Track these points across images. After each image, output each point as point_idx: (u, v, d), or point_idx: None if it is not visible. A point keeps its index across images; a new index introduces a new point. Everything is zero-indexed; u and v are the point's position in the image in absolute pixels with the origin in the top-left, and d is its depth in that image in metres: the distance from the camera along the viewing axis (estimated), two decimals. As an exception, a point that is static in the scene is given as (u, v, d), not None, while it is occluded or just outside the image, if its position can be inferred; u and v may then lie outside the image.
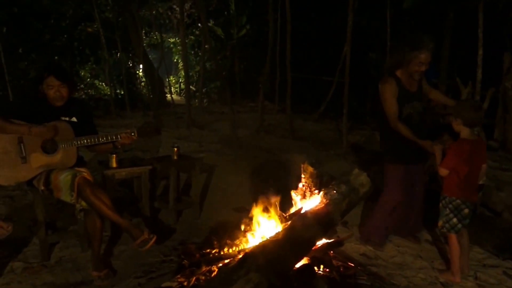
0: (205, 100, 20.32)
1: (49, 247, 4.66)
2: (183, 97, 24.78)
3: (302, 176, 3.85)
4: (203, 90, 19.81)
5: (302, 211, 3.52)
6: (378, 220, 4.99)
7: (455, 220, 4.21)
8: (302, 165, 3.86)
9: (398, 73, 4.73)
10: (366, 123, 14.64)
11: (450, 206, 4.23)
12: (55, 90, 4.12)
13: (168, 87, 25.01)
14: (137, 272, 3.90)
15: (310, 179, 3.76)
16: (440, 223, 4.33)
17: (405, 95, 4.71)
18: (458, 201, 4.19)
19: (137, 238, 3.91)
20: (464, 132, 4.18)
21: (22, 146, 4.02)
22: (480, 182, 5.50)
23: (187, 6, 18.91)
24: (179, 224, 5.73)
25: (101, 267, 4.18)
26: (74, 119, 4.33)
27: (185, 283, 3.27)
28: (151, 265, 4.13)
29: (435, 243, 5.17)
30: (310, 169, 3.76)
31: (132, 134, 4.29)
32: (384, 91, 4.68)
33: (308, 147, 10.77)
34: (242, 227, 3.93)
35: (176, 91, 26.57)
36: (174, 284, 3.29)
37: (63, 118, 4.24)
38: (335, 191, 3.54)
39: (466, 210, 4.20)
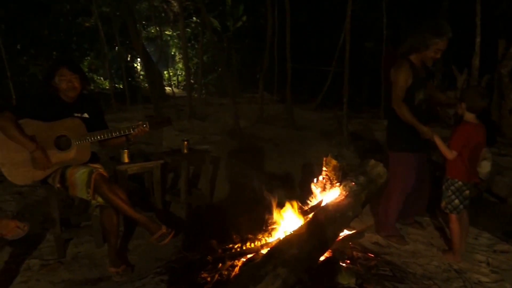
0: (203, 92, 20.27)
1: (64, 244, 4.65)
2: (181, 90, 24.76)
3: (324, 169, 3.87)
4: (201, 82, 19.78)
5: (323, 204, 3.54)
6: (395, 211, 4.99)
7: (457, 201, 4.35)
8: (324, 158, 3.88)
9: (412, 58, 4.71)
10: (363, 112, 14.68)
11: (452, 188, 4.37)
12: (67, 81, 4.11)
13: (167, 80, 24.97)
14: (157, 268, 3.89)
15: (332, 172, 3.78)
16: (443, 204, 4.48)
17: (419, 80, 4.70)
18: (460, 182, 4.34)
19: (155, 233, 3.92)
20: (468, 116, 4.31)
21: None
22: (484, 171, 5.62)
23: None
24: (191, 216, 5.75)
25: (118, 262, 4.18)
26: (86, 115, 4.32)
27: (209, 279, 3.28)
28: (170, 260, 4.12)
29: (445, 230, 5.22)
30: (334, 162, 3.78)
31: (144, 126, 4.28)
32: (399, 74, 4.63)
33: (310, 137, 10.79)
34: (264, 221, 3.95)
35: (174, 83, 26.49)
36: (198, 280, 3.30)
37: (75, 114, 4.23)
38: (354, 183, 3.57)
39: (467, 192, 4.35)
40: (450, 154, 4.30)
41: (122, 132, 4.26)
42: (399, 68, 4.66)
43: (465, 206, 4.41)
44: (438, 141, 4.37)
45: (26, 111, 4.05)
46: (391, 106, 4.75)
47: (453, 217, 4.41)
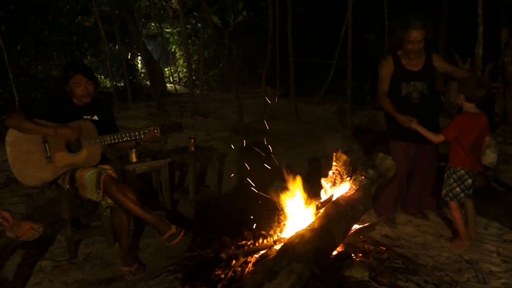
0: (205, 88, 20.29)
1: (75, 244, 4.66)
2: (182, 86, 24.76)
3: (334, 164, 3.88)
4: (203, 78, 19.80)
5: (334, 198, 3.56)
6: (386, 195, 5.03)
7: (458, 189, 4.45)
8: (334, 153, 3.89)
9: (399, 52, 4.93)
10: (367, 104, 14.68)
11: (454, 176, 4.47)
12: (83, 87, 4.13)
13: (169, 77, 24.97)
14: (170, 266, 3.90)
15: (343, 167, 3.79)
16: (444, 191, 4.58)
17: (403, 73, 4.89)
18: (462, 171, 4.43)
19: (165, 233, 3.92)
20: (467, 106, 4.41)
21: (47, 146, 4.03)
22: (489, 160, 5.67)
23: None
24: (200, 214, 5.76)
25: (130, 262, 4.22)
26: (95, 117, 4.34)
27: (223, 276, 3.29)
28: (183, 258, 4.13)
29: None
30: (344, 157, 3.79)
31: (155, 131, 4.31)
32: (380, 68, 4.98)
33: (315, 131, 10.79)
34: (275, 217, 3.96)
35: (175, 80, 26.51)
36: (212, 277, 3.31)
37: (85, 117, 4.25)
38: (363, 177, 3.59)
39: (470, 181, 4.44)
40: (435, 138, 4.45)
41: (132, 136, 4.28)
42: (381, 62, 5.01)
43: (469, 195, 4.50)
44: (419, 127, 4.49)
45: (36, 112, 4.06)
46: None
47: (454, 204, 4.51)
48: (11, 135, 4.01)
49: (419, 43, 4.66)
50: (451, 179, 4.48)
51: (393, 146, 5.04)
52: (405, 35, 4.64)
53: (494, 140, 5.77)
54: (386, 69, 4.90)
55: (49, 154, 4.05)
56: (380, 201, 5.07)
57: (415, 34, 4.61)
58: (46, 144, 4.03)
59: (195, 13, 21.75)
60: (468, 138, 4.35)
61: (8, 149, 4.01)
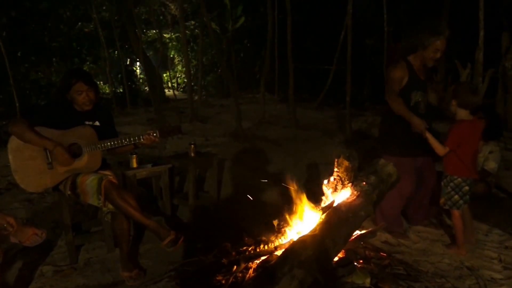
0: (203, 93, 20.31)
1: (76, 249, 4.65)
2: (180, 92, 24.79)
3: (336, 169, 3.88)
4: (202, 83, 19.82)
5: (335, 204, 3.56)
6: (392, 214, 5.03)
7: (456, 197, 4.45)
8: (336, 159, 3.89)
9: (411, 58, 4.76)
10: (366, 109, 14.69)
11: (452, 184, 4.46)
12: (84, 95, 4.14)
13: (168, 83, 25.03)
14: (171, 271, 3.91)
15: (344, 173, 3.79)
16: (442, 200, 4.58)
17: (416, 81, 4.74)
18: (459, 179, 4.43)
19: (165, 239, 3.92)
20: (460, 113, 4.38)
21: (48, 152, 4.03)
22: (491, 166, 5.65)
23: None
24: (200, 220, 5.76)
25: (130, 267, 4.20)
26: (97, 123, 4.35)
27: (224, 282, 3.29)
28: (184, 263, 4.13)
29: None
30: (346, 163, 3.79)
31: (154, 135, 4.30)
32: (393, 72, 4.72)
33: (313, 136, 10.80)
34: (276, 223, 3.96)
35: (173, 86, 26.56)
36: (213, 282, 3.31)
37: (87, 123, 4.26)
38: (365, 183, 3.59)
39: (466, 188, 4.43)
40: (442, 150, 4.40)
41: (132, 140, 4.28)
42: (395, 65, 4.75)
43: (466, 201, 4.50)
44: (429, 136, 4.45)
45: (39, 119, 4.07)
46: (389, 110, 4.84)
47: (456, 212, 4.49)
48: (14, 142, 4.02)
49: (442, 52, 4.58)
50: (449, 187, 4.48)
51: (398, 163, 4.55)
52: (433, 42, 4.51)
53: (497, 146, 5.75)
54: (401, 73, 4.66)
55: (50, 160, 4.04)
56: (388, 219, 5.02)
57: (444, 43, 4.53)
58: (48, 150, 4.03)
59: (192, 21, 21.77)
60: (466, 147, 4.36)
61: (10, 156, 4.03)
